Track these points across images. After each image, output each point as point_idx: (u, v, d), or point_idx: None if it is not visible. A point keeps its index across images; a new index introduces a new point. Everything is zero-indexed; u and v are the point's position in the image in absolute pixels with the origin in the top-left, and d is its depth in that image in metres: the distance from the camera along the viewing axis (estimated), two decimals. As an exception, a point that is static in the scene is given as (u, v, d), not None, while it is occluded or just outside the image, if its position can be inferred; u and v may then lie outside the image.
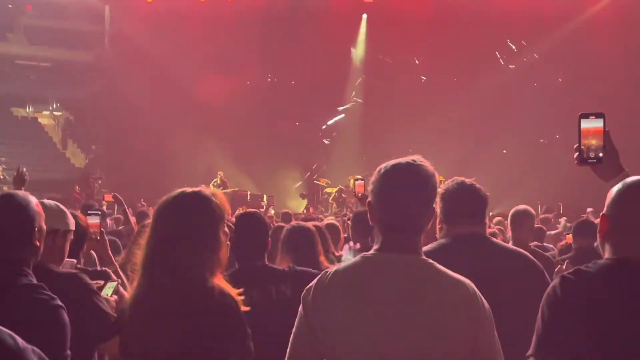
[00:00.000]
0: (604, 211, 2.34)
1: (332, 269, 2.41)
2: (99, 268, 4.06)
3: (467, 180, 3.44)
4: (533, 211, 5.84)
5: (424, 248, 3.33)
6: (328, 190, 21.76)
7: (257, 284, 3.53)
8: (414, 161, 2.37)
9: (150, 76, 22.50)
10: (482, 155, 20.50)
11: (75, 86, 25.48)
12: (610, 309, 2.16)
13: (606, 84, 20.83)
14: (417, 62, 24.14)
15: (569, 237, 6.54)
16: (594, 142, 2.57)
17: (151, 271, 2.55)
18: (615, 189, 2.31)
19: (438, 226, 3.47)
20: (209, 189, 2.70)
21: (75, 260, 3.87)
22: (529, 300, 2.78)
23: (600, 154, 2.57)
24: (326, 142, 23.51)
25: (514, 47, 23.88)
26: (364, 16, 24.76)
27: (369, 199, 2.41)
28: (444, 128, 21.92)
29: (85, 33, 25.48)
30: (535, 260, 3.34)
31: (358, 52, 25.21)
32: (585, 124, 2.58)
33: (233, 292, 2.55)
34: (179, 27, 22.56)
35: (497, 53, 24.03)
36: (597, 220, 2.36)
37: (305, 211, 19.81)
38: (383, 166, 2.39)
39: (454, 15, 22.25)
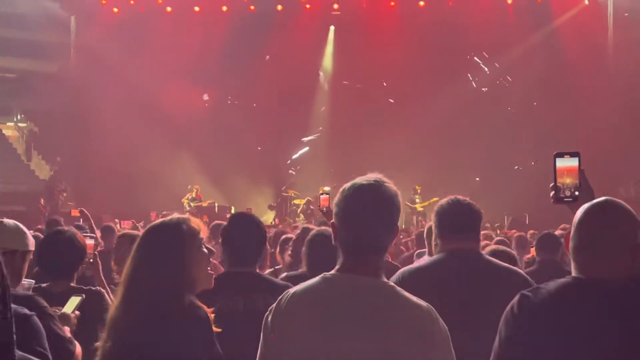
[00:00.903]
0: (571, 231, 2.39)
1: (292, 289, 2.40)
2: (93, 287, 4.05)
3: (462, 198, 3.53)
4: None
5: (420, 262, 3.43)
6: (296, 201, 21.71)
7: (242, 292, 3.47)
8: (377, 181, 2.35)
9: (116, 87, 22.27)
10: (452, 176, 20.38)
11: (40, 97, 25.18)
12: (565, 326, 2.21)
13: (582, 109, 21.17)
14: (384, 84, 24.06)
15: (533, 250, 6.63)
16: (569, 180, 2.62)
17: (129, 291, 2.64)
18: (579, 211, 2.36)
19: (433, 242, 3.54)
20: (181, 215, 2.83)
21: (33, 281, 3.83)
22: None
23: (576, 193, 2.62)
24: (292, 172, 23.23)
25: (486, 69, 23.94)
26: (332, 28, 24.74)
27: (332, 219, 2.40)
28: (414, 146, 21.90)
29: (50, 44, 25.17)
30: (528, 278, 3.39)
31: (325, 65, 25.15)
32: (561, 163, 2.63)
33: (206, 308, 2.64)
34: (146, 38, 22.39)
35: (469, 75, 24.08)
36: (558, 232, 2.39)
37: (273, 223, 19.74)
38: (345, 186, 2.38)
39: (424, 34, 22.17)
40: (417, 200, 21.09)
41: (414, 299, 2.32)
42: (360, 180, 2.37)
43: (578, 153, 2.64)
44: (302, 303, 2.33)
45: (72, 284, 3.96)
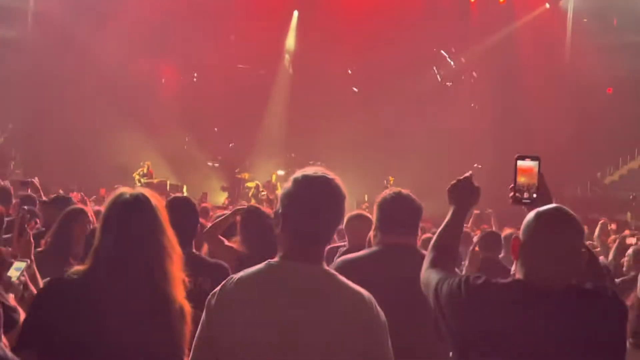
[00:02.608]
0: (519, 235, 2.48)
1: (237, 275, 2.45)
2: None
3: (404, 191, 3.61)
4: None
5: (358, 253, 3.50)
6: (249, 184, 21.69)
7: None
8: (326, 174, 2.44)
9: (73, 57, 21.89)
10: (408, 162, 20.54)
11: (-6, 62, 24.58)
12: (503, 325, 2.34)
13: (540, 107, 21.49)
14: (349, 72, 24.07)
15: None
16: (528, 183, 2.71)
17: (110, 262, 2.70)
18: (530, 215, 2.46)
19: (372, 233, 3.61)
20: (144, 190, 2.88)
21: None
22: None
23: (534, 195, 2.71)
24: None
25: (452, 62, 24.09)
26: (295, 13, 24.62)
27: (279, 208, 2.44)
28: (376, 136, 22.02)
29: (7, 8, 24.55)
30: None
31: (288, 49, 25.05)
32: (521, 165, 2.72)
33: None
34: (106, 8, 22.05)
35: (434, 68, 24.23)
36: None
37: (224, 204, 19.62)
38: (296, 177, 2.44)
39: (390, 25, 22.21)
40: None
41: (355, 286, 2.40)
42: (310, 172, 2.44)
43: (538, 157, 2.73)
44: (247, 289, 2.38)
45: None
